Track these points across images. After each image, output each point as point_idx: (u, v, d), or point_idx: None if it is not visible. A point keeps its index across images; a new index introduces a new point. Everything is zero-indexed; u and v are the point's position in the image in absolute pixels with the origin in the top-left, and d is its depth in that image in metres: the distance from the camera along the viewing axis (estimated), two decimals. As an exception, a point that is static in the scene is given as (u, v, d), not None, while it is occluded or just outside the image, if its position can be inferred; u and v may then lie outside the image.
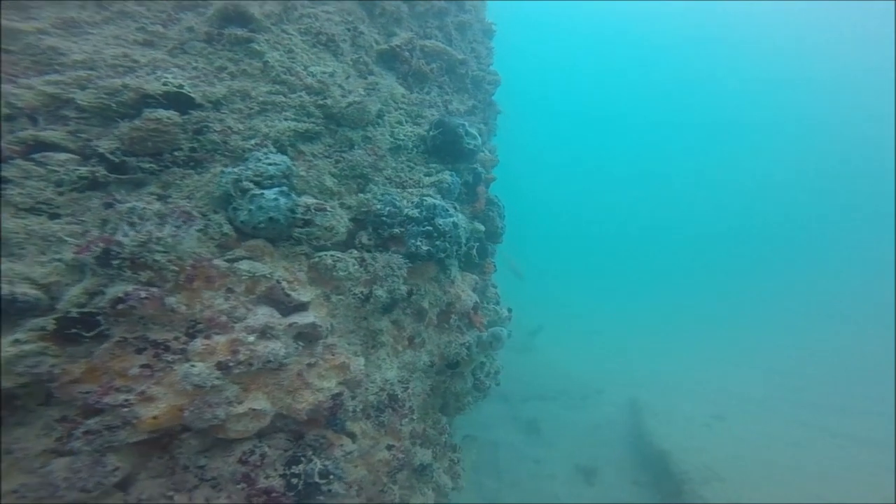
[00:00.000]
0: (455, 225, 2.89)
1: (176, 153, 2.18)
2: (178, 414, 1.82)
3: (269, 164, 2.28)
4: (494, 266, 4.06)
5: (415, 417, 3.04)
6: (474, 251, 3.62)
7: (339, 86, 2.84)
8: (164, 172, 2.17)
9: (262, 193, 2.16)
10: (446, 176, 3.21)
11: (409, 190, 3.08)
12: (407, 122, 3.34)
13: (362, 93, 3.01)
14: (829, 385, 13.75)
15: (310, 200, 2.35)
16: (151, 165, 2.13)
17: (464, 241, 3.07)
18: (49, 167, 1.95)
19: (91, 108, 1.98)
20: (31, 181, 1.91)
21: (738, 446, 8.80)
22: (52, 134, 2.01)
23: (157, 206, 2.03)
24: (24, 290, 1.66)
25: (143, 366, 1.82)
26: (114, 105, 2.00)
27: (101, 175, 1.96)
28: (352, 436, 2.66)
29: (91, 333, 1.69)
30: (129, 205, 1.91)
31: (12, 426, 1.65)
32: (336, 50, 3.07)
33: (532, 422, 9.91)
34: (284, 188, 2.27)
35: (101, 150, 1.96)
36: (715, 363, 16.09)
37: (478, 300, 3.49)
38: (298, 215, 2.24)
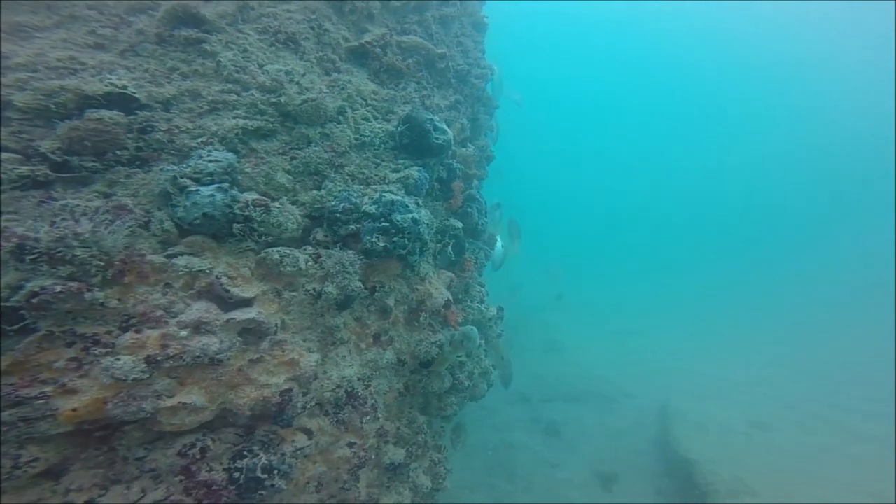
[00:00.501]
0: (415, 221, 2.73)
1: (120, 152, 2.19)
2: (101, 407, 1.81)
3: (210, 161, 2.24)
4: (476, 262, 3.86)
5: (379, 416, 2.91)
6: (450, 248, 3.44)
7: (297, 83, 2.78)
8: (108, 171, 2.18)
9: (199, 190, 2.12)
10: (413, 171, 3.06)
11: (374, 186, 2.96)
12: (375, 118, 3.23)
13: (324, 90, 2.94)
14: (871, 389, 12.18)
15: (251, 196, 2.29)
16: (95, 164, 2.15)
17: (428, 237, 2.91)
18: None
19: (29, 109, 2.03)
20: None
21: (777, 457, 7.94)
22: None
23: (97, 203, 2.04)
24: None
25: (70, 359, 1.82)
26: (52, 106, 2.04)
27: (43, 174, 2.00)
28: (308, 432, 2.57)
29: (15, 327, 1.70)
30: (62, 202, 1.92)
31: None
32: (297, 48, 3.02)
33: (552, 424, 9.48)
34: (224, 185, 2.22)
35: (42, 150, 2.00)
36: (749, 362, 14.80)
37: (450, 298, 3.30)
38: (236, 211, 2.18)
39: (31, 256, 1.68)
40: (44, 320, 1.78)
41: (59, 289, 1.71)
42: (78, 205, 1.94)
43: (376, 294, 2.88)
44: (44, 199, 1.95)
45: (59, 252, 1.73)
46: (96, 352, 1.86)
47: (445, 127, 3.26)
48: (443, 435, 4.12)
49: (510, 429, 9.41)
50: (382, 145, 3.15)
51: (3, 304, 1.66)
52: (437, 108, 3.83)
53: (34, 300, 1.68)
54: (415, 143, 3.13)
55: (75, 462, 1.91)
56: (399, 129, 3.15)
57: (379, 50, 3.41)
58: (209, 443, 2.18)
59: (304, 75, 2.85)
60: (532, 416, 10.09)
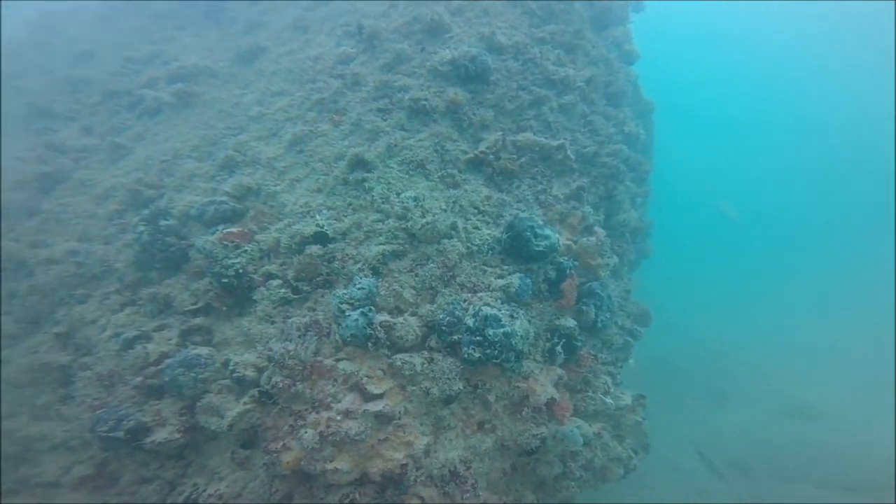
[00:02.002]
0: (507, 335, 3.41)
1: (318, 278, 3.72)
2: (299, 463, 3.26)
3: (359, 289, 3.53)
4: (594, 357, 4.14)
5: (480, 493, 3.69)
6: (558, 348, 3.89)
7: (421, 206, 3.86)
8: (314, 292, 3.75)
9: (350, 314, 3.42)
10: (514, 280, 3.72)
11: (479, 294, 3.77)
12: (486, 224, 4.04)
13: (443, 207, 3.94)
14: None
15: (381, 318, 3.46)
16: (307, 287, 3.73)
17: (523, 346, 3.54)
18: (270, 290, 3.79)
19: (286, 247, 3.73)
20: (265, 301, 3.79)
21: None
22: (273, 267, 3.87)
23: (307, 318, 3.59)
24: (247, 373, 3.43)
25: (289, 426, 3.35)
26: (293, 245, 3.69)
27: (289, 295, 3.67)
28: (421, 498, 3.60)
29: (271, 401, 3.32)
30: (290, 319, 3.52)
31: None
32: (425, 171, 4.13)
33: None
34: (366, 308, 3.46)
35: (288, 278, 3.67)
36: None
37: (555, 395, 3.77)
38: (370, 332, 3.39)
39: (274, 363, 3.25)
40: (281, 398, 3.35)
41: (280, 384, 3.23)
42: (296, 321, 3.50)
43: (478, 391, 3.67)
44: (285, 315, 3.60)
45: (281, 361, 3.26)
46: (300, 423, 3.33)
47: (548, 232, 3.77)
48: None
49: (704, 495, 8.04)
50: (490, 251, 3.92)
51: (264, 387, 3.29)
52: (555, 201, 4.31)
53: (272, 388, 3.24)
54: (516, 250, 3.77)
55: (294, 494, 3.45)
56: (503, 236, 3.84)
57: (491, 157, 4.19)
58: (356, 496, 3.44)
59: (426, 200, 3.90)
60: (750, 492, 8.21)
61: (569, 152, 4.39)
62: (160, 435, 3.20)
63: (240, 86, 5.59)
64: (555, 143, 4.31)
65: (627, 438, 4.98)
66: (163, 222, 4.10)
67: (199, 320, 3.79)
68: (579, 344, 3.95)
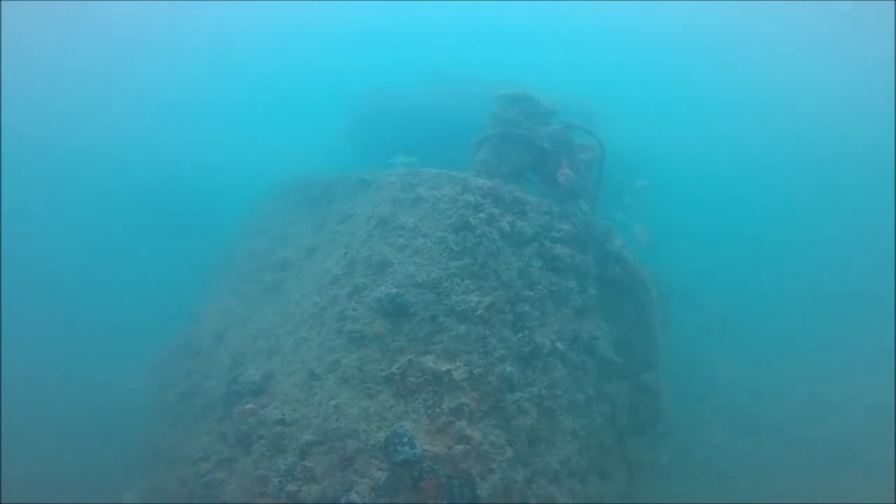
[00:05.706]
0: (356, 506, 5.55)
1: (278, 446, 6.64)
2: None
3: (284, 465, 6.25)
4: None
5: None
6: (417, 514, 5.71)
7: (338, 412, 6.36)
8: (276, 455, 6.68)
9: (273, 480, 6.16)
10: (382, 476, 5.80)
11: (364, 479, 5.96)
12: (382, 429, 6.23)
13: (355, 413, 6.37)
14: None
15: (290, 487, 6.06)
16: (274, 450, 6.70)
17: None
18: (258, 446, 6.92)
19: (269, 423, 6.83)
20: (255, 453, 6.90)
21: None
22: (263, 431, 7.01)
23: (266, 472, 6.53)
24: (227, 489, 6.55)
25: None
26: (272, 423, 6.76)
27: (267, 453, 6.71)
28: None
29: None
30: (257, 471, 6.52)
31: None
32: (350, 385, 6.62)
33: None
34: (284, 479, 6.15)
35: (267, 441, 6.75)
36: None
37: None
38: (282, 493, 6.03)
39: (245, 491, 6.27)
40: (242, 521, 6.31)
41: (239, 516, 6.18)
42: (258, 473, 6.48)
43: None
44: (259, 465, 6.63)
45: (244, 498, 6.23)
46: (249, 539, 6.17)
47: (406, 448, 5.78)
48: None
49: None
50: (379, 450, 6.08)
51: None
52: (441, 413, 6.18)
53: (235, 518, 6.22)
54: (388, 456, 5.87)
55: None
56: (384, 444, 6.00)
57: (399, 376, 6.39)
58: None
59: (345, 407, 6.39)
60: None
61: (454, 375, 6.16)
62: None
63: (298, 279, 9.31)
64: (443, 368, 6.17)
65: None
66: (233, 387, 7.80)
67: (229, 452, 7.17)
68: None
